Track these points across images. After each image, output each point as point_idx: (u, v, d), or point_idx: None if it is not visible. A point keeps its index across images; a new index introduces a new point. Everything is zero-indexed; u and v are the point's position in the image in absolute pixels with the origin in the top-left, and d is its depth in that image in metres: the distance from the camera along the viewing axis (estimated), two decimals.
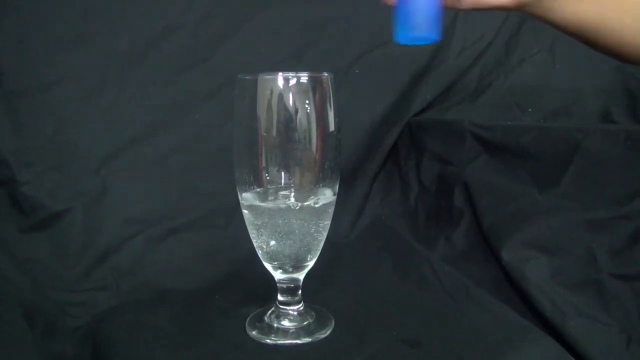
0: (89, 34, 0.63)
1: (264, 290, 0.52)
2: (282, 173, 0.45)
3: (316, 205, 0.46)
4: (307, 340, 0.47)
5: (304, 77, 0.44)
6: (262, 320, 0.50)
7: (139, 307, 0.54)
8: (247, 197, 0.46)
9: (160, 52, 0.66)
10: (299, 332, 0.48)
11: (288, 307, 0.50)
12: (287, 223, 0.45)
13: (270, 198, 0.46)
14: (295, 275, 0.49)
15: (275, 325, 0.49)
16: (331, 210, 0.48)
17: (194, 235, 0.63)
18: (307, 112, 0.45)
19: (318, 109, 0.45)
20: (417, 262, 0.61)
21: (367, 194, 0.75)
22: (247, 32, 0.71)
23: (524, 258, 0.53)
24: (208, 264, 0.61)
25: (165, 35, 0.67)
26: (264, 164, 0.45)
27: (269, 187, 0.45)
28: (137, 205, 0.62)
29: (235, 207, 0.52)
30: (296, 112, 0.44)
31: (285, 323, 0.49)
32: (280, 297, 0.50)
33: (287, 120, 0.44)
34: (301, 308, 0.50)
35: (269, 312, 0.50)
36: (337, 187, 0.48)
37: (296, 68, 0.45)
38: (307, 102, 0.44)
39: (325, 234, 0.48)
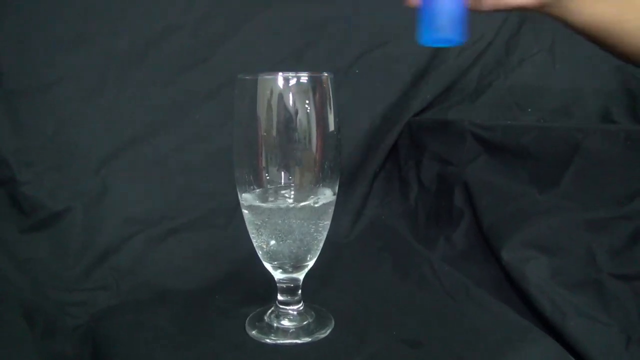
0: (89, 34, 0.63)
1: (264, 290, 0.52)
2: (282, 173, 0.45)
3: (316, 205, 0.46)
4: (307, 340, 0.47)
5: (304, 77, 0.44)
6: (262, 320, 0.50)
7: (139, 307, 0.54)
8: (247, 197, 0.46)
9: (160, 52, 0.66)
10: (298, 331, 0.48)
11: (288, 307, 0.50)
12: (287, 223, 0.45)
13: (270, 198, 0.46)
14: (295, 275, 0.49)
15: (275, 325, 0.49)
16: (331, 210, 0.48)
17: (194, 235, 0.63)
18: (307, 112, 0.45)
19: (318, 109, 0.45)
20: (417, 262, 0.61)
21: (367, 194, 0.75)
22: (247, 32, 0.71)
23: (524, 258, 0.53)
24: (208, 263, 0.61)
25: (165, 35, 0.67)
26: (264, 164, 0.45)
27: (269, 187, 0.45)
28: (137, 205, 0.62)
29: (235, 207, 0.52)
30: (296, 112, 0.44)
31: (285, 323, 0.49)
32: (280, 297, 0.50)
33: (287, 120, 0.44)
34: (301, 308, 0.50)
35: (269, 311, 0.50)
36: (337, 187, 0.48)
37: (296, 68, 0.45)
38: (307, 102, 0.44)
39: (325, 233, 0.48)
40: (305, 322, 0.49)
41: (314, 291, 0.53)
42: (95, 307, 0.54)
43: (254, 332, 0.48)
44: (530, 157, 0.60)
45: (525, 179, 0.60)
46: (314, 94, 0.45)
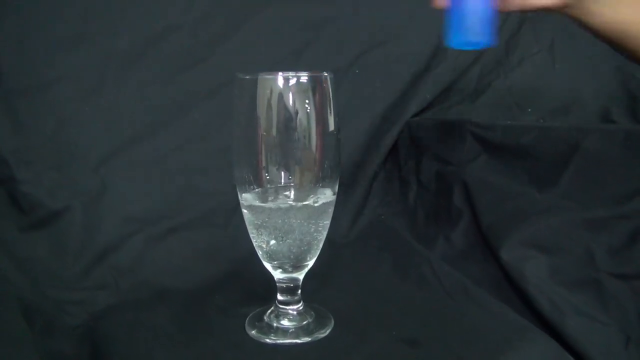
0: (88, 33, 0.63)
1: (264, 290, 0.52)
2: (282, 172, 0.45)
3: (316, 205, 0.46)
4: (307, 339, 0.47)
5: (304, 77, 0.44)
6: (262, 319, 0.50)
7: (138, 306, 0.54)
8: (246, 197, 0.46)
9: (160, 52, 0.66)
10: (298, 331, 0.48)
11: (287, 307, 0.50)
12: (287, 222, 0.45)
13: (270, 197, 0.46)
14: (294, 275, 0.49)
15: (275, 324, 0.49)
16: (331, 209, 0.48)
17: (193, 235, 0.63)
18: (307, 112, 0.45)
19: (318, 109, 0.45)
20: (416, 262, 0.61)
21: (367, 194, 0.76)
22: (246, 32, 0.71)
23: (523, 257, 0.54)
24: (208, 263, 0.61)
25: (165, 35, 0.67)
26: (263, 164, 0.45)
27: (268, 186, 0.45)
28: (137, 204, 0.62)
29: (235, 207, 0.52)
30: (296, 111, 0.44)
31: (285, 322, 0.49)
32: (279, 297, 0.50)
33: (287, 120, 0.44)
34: (301, 307, 0.50)
35: (269, 311, 0.50)
36: (337, 186, 0.48)
37: (296, 68, 0.45)
38: (307, 101, 0.44)
39: (324, 233, 0.48)
40: (304, 322, 0.49)
41: (313, 291, 0.53)
42: (94, 306, 0.54)
43: (253, 331, 0.48)
44: (529, 157, 0.60)
45: (524, 179, 0.60)
46: (314, 94, 0.45)
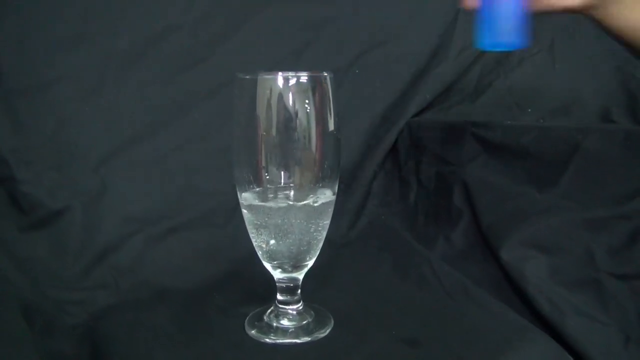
0: (88, 33, 0.63)
1: (264, 290, 0.52)
2: (282, 172, 0.45)
3: (315, 205, 0.46)
4: (306, 339, 0.47)
5: (304, 77, 0.44)
6: (262, 319, 0.50)
7: (138, 305, 0.54)
8: (246, 197, 0.46)
9: (160, 52, 0.66)
10: (298, 331, 0.48)
11: (287, 307, 0.50)
12: (287, 222, 0.45)
13: (269, 197, 0.46)
14: (294, 275, 0.49)
15: (275, 324, 0.49)
16: (331, 209, 0.48)
17: (193, 234, 0.63)
18: (307, 112, 0.45)
19: (318, 109, 0.45)
20: (416, 262, 0.61)
21: (367, 194, 0.76)
22: (247, 32, 0.71)
23: (523, 257, 0.54)
24: (207, 263, 0.61)
25: (165, 35, 0.67)
26: (263, 164, 0.45)
27: (268, 186, 0.45)
28: (137, 204, 0.62)
29: (235, 206, 0.52)
30: (296, 111, 0.44)
31: (285, 322, 0.49)
32: (279, 297, 0.50)
33: (287, 120, 0.44)
34: (300, 307, 0.50)
35: (268, 311, 0.50)
36: (337, 186, 0.48)
37: (296, 68, 0.45)
38: (306, 101, 0.44)
39: (324, 233, 0.48)
40: (304, 322, 0.49)
41: (313, 291, 0.53)
42: (94, 306, 0.54)
43: (253, 331, 0.48)
44: (529, 157, 0.60)
45: (524, 179, 0.60)
46: (314, 94, 0.45)
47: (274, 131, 0.44)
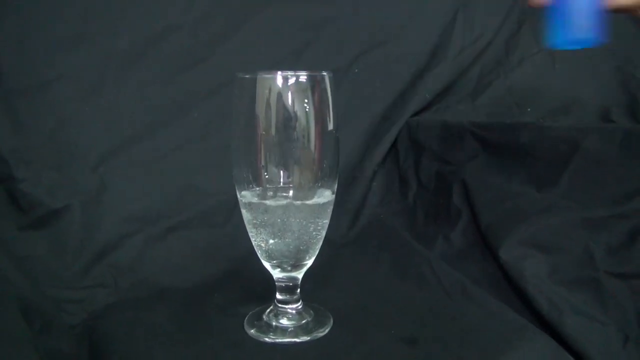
0: (88, 33, 0.63)
1: (263, 289, 0.52)
2: (281, 172, 0.45)
3: (315, 204, 0.46)
4: (306, 338, 0.47)
5: (303, 76, 0.44)
6: (261, 318, 0.50)
7: (138, 304, 0.54)
8: (245, 196, 0.46)
9: (159, 52, 0.66)
10: (297, 330, 0.48)
11: (287, 306, 0.50)
12: (286, 222, 0.45)
13: (269, 196, 0.46)
14: (293, 274, 0.49)
15: (274, 323, 0.49)
16: (330, 209, 0.48)
17: (192, 233, 0.63)
18: (306, 111, 0.45)
19: (317, 108, 0.45)
20: (415, 262, 0.61)
21: (366, 193, 0.76)
22: (246, 32, 0.71)
23: (522, 257, 0.54)
24: (207, 262, 0.61)
25: (165, 35, 0.67)
26: (262, 163, 0.45)
27: (267, 185, 0.45)
28: (136, 203, 0.62)
29: (234, 206, 0.52)
30: (295, 111, 0.44)
31: (284, 321, 0.49)
32: (278, 296, 0.50)
33: (286, 119, 0.44)
34: (300, 307, 0.50)
35: (268, 310, 0.51)
36: (336, 186, 0.48)
37: (296, 68, 0.45)
38: (306, 101, 0.44)
39: (323, 232, 0.48)
40: (304, 321, 0.49)
41: (312, 290, 0.53)
42: (93, 305, 0.54)
43: (252, 330, 0.48)
44: (529, 157, 0.60)
45: (523, 178, 0.60)
46: (313, 93, 0.45)
47: (273, 131, 0.44)
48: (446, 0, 0.83)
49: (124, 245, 0.60)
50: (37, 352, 0.41)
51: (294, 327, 0.49)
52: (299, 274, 0.49)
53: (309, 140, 0.45)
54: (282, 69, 0.44)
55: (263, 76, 0.44)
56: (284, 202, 0.45)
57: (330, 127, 0.46)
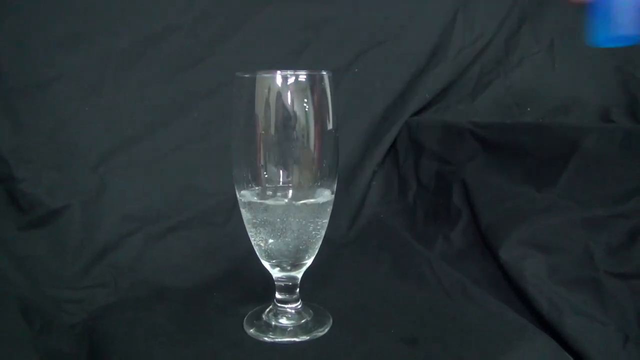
0: (88, 33, 0.63)
1: (262, 288, 0.52)
2: (281, 171, 0.45)
3: (314, 204, 0.46)
4: (305, 338, 0.47)
5: (303, 76, 0.44)
6: (260, 318, 0.50)
7: (138, 304, 0.54)
8: (245, 195, 0.46)
9: (159, 51, 0.66)
10: (296, 330, 0.48)
11: (286, 305, 0.50)
12: (285, 221, 0.45)
13: (268, 196, 0.46)
14: (293, 274, 0.49)
15: (273, 323, 0.49)
16: (329, 208, 0.48)
17: (192, 233, 0.63)
18: (306, 111, 0.45)
19: (316, 108, 0.45)
20: (415, 262, 0.61)
21: (366, 193, 0.76)
22: (246, 32, 0.71)
23: (522, 257, 0.53)
24: (206, 261, 0.62)
25: (164, 35, 0.67)
26: (262, 162, 0.45)
27: (267, 185, 0.45)
28: (136, 203, 0.62)
29: (234, 205, 0.52)
30: (294, 110, 0.44)
31: (283, 321, 0.49)
32: (278, 295, 0.50)
33: (286, 119, 0.44)
34: (299, 306, 0.50)
35: (267, 310, 0.50)
36: (336, 185, 0.48)
37: (296, 67, 0.45)
38: (305, 100, 0.44)
39: (323, 232, 0.48)
40: (303, 321, 0.49)
41: (312, 289, 0.53)
42: (93, 305, 0.54)
43: (252, 330, 0.48)
44: (528, 156, 0.60)
45: (523, 178, 0.60)
46: (313, 93, 0.45)
47: (272, 130, 0.44)
48: (446, 0, 0.83)
49: (124, 245, 0.60)
50: (37, 352, 0.41)
51: (293, 326, 0.49)
52: (299, 274, 0.49)
53: (308, 140, 0.45)
54: (281, 68, 0.44)
55: (262, 76, 0.44)
56: (284, 201, 0.45)
57: (330, 126, 0.46)
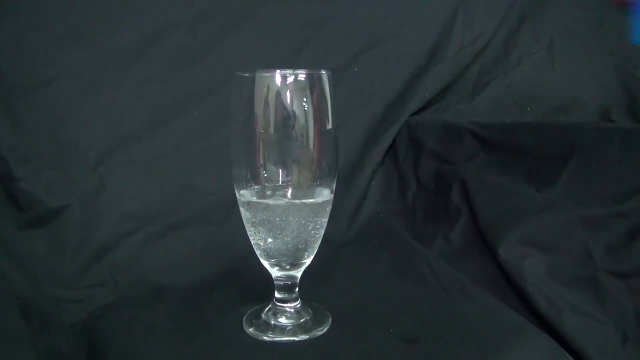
0: (88, 32, 0.63)
1: (262, 288, 0.52)
2: (280, 171, 0.45)
3: (314, 203, 0.46)
4: (305, 337, 0.47)
5: (302, 75, 0.44)
6: (260, 317, 0.50)
7: (137, 303, 0.54)
8: (244, 195, 0.46)
9: (159, 50, 0.66)
10: (296, 329, 0.48)
11: (285, 305, 0.50)
12: (285, 220, 0.45)
13: (267, 195, 0.46)
14: (292, 273, 0.49)
15: (273, 322, 0.49)
16: (329, 208, 0.48)
17: (192, 233, 0.63)
18: (305, 110, 0.45)
19: (316, 107, 0.45)
20: (415, 261, 0.61)
21: (365, 192, 0.76)
22: (246, 31, 0.71)
23: (521, 256, 0.54)
24: (206, 261, 0.62)
25: (164, 33, 0.67)
26: (261, 162, 0.45)
27: (266, 184, 0.45)
28: (135, 202, 0.62)
29: (233, 205, 0.52)
30: (294, 110, 0.44)
31: (283, 320, 0.49)
32: (277, 295, 0.50)
33: (285, 118, 0.44)
34: (298, 305, 0.50)
35: (267, 309, 0.50)
36: (335, 185, 0.48)
37: (295, 66, 0.45)
38: (305, 100, 0.44)
39: (322, 231, 0.48)
40: (302, 320, 0.49)
41: (311, 289, 0.53)
42: (92, 304, 0.54)
43: (251, 329, 0.48)
44: (528, 156, 0.60)
45: (523, 178, 0.60)
46: (312, 92, 0.45)
47: (272, 129, 0.44)
48: (446, 0, 0.83)
49: (124, 245, 0.60)
50: (37, 351, 0.41)
51: (292, 326, 0.49)
52: (298, 273, 0.49)
53: (308, 139, 0.45)
54: (281, 67, 0.44)
55: (262, 75, 0.44)
56: (283, 201, 0.45)
57: (329, 126, 0.46)
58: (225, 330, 0.49)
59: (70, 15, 0.63)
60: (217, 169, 0.60)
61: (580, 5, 0.87)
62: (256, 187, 0.46)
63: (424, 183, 0.73)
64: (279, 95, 0.44)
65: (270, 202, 0.45)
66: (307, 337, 0.47)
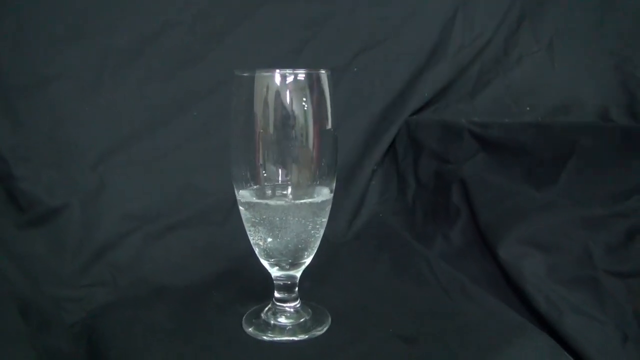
0: (87, 31, 0.63)
1: (261, 288, 0.52)
2: (279, 170, 0.45)
3: (313, 203, 0.46)
4: (304, 337, 0.47)
5: (302, 74, 0.44)
6: (259, 317, 0.50)
7: (137, 303, 0.54)
8: (244, 194, 0.46)
9: (158, 49, 0.66)
10: (295, 329, 0.48)
11: (285, 304, 0.50)
12: (284, 220, 0.45)
13: (267, 195, 0.46)
14: (292, 273, 0.49)
15: (272, 322, 0.49)
16: (328, 207, 0.48)
17: (191, 232, 0.63)
18: (305, 110, 0.45)
19: (315, 106, 0.45)
20: (414, 260, 0.61)
21: (365, 192, 0.76)
22: (245, 30, 0.71)
23: (520, 255, 0.54)
24: (205, 260, 0.62)
25: (163, 32, 0.67)
26: (261, 161, 0.45)
27: (266, 184, 0.45)
28: (135, 202, 0.62)
29: (233, 204, 0.52)
30: (293, 109, 0.44)
31: (282, 320, 0.49)
32: (277, 294, 0.50)
33: (284, 118, 0.44)
34: (298, 305, 0.50)
35: (266, 309, 0.51)
36: (334, 184, 0.48)
37: (295, 66, 0.45)
38: (304, 99, 0.44)
39: (322, 231, 0.48)
40: (302, 320, 0.49)
41: (311, 288, 0.53)
42: (92, 303, 0.54)
43: (250, 329, 0.48)
44: (527, 155, 0.60)
45: (522, 177, 0.60)
46: (312, 92, 0.45)
47: (271, 129, 0.44)
48: (445, 0, 0.83)
49: (123, 244, 0.60)
50: (36, 351, 0.41)
51: (292, 325, 0.49)
52: (297, 273, 0.49)
53: (307, 139, 0.45)
54: (280, 67, 0.44)
55: (261, 74, 0.44)
56: (283, 200, 0.45)
57: (329, 125, 0.46)
58: (225, 330, 0.49)
59: (70, 15, 0.63)
60: (217, 169, 0.60)
61: (580, 5, 0.87)
62: (255, 186, 0.46)
63: (423, 183, 0.73)
64: (278, 94, 0.44)
65: (270, 201, 0.45)
66: (307, 336, 0.47)
